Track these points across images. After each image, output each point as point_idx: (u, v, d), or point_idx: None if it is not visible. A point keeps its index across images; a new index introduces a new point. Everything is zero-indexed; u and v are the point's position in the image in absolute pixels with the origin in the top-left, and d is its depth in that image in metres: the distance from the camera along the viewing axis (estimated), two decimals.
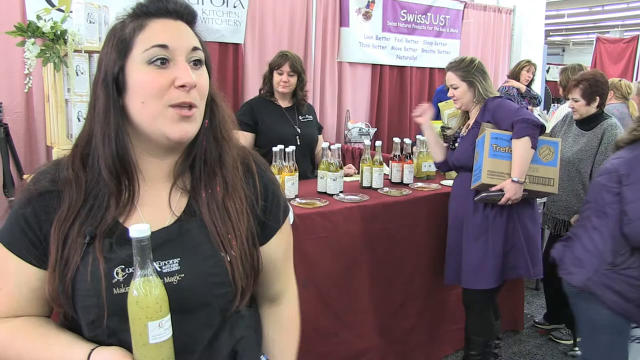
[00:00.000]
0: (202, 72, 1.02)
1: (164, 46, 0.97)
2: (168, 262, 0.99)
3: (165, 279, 0.96)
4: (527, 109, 5.39)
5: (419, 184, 3.26)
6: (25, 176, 3.45)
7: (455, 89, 2.87)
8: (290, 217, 1.25)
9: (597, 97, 3.26)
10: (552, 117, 4.65)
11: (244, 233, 1.05)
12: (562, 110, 4.34)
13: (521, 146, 2.59)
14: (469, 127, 2.88)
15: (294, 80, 3.38)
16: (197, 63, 1.00)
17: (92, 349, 0.96)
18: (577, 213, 3.31)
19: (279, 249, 1.18)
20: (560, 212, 3.46)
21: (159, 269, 0.97)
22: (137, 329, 0.90)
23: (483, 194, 2.68)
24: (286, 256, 1.23)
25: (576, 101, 3.30)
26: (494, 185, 2.65)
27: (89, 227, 0.99)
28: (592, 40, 11.04)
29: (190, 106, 0.98)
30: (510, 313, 3.66)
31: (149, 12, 1.00)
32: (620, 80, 4.52)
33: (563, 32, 15.78)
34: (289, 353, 1.26)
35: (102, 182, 1.02)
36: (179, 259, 1.00)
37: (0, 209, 3.88)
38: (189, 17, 1.03)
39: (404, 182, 3.27)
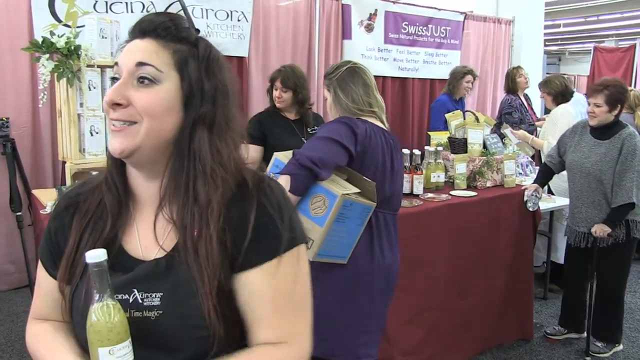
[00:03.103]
0: (147, 89, 0.97)
1: (116, 64, 1.01)
2: (150, 296, 0.97)
3: (144, 312, 0.96)
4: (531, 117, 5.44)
5: (429, 195, 3.27)
6: (33, 191, 3.45)
7: (325, 100, 2.42)
8: (301, 254, 1.04)
9: (619, 105, 3.22)
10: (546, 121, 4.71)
11: (216, 278, 0.96)
12: (556, 114, 4.40)
13: None
14: None
15: (287, 95, 3.38)
16: (143, 80, 0.97)
17: None
18: (597, 224, 3.29)
19: (258, 289, 0.99)
20: (580, 224, 3.41)
21: (140, 301, 0.96)
22: (92, 354, 0.90)
23: None
24: (275, 304, 0.99)
25: (598, 106, 3.22)
26: None
27: (91, 242, 1.01)
28: (588, 50, 11.14)
29: (128, 122, 0.96)
30: (519, 322, 3.67)
31: (130, 36, 1.04)
32: (630, 91, 4.54)
33: (559, 42, 15.90)
34: None
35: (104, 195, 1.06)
36: (161, 294, 0.97)
37: (7, 225, 3.88)
38: (154, 33, 1.01)
39: (414, 192, 3.29)
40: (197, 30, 1.06)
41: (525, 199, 3.49)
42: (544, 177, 3.67)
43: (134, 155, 0.97)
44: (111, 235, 1.02)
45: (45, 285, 1.09)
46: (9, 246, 4.16)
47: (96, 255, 0.89)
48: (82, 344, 1.01)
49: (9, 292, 4.20)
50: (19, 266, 4.17)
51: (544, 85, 4.60)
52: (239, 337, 0.99)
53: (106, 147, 2.84)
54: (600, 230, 3.24)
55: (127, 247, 1.02)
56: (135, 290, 0.97)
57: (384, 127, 2.31)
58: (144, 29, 1.01)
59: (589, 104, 3.32)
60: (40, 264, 1.11)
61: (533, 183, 3.63)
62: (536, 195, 3.50)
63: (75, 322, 1.01)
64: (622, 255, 3.36)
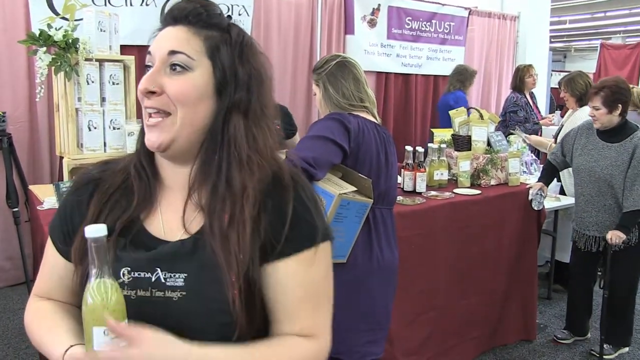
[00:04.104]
0: (179, 77, 0.97)
1: (149, 53, 1.01)
2: (173, 276, 0.95)
3: (166, 292, 0.95)
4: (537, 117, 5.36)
5: (432, 193, 3.22)
6: (30, 187, 3.40)
7: (315, 95, 2.35)
8: (330, 249, 1.05)
9: (619, 105, 3.13)
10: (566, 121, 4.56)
11: (246, 265, 0.95)
12: (579, 117, 4.22)
13: None
14: None
15: None
16: (174, 67, 0.97)
17: (73, 345, 0.94)
18: (609, 228, 3.21)
19: (291, 278, 0.99)
20: (590, 229, 3.34)
21: (162, 280, 0.95)
22: (86, 333, 0.86)
23: None
24: (306, 295, 1.01)
25: (597, 109, 3.16)
26: None
27: (110, 220, 0.99)
28: (594, 47, 11.06)
29: (162, 112, 0.97)
30: (522, 322, 3.62)
31: (162, 24, 1.04)
32: (632, 88, 4.45)
33: (565, 39, 15.81)
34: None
35: (130, 176, 1.06)
36: (185, 275, 0.95)
37: (3, 221, 3.84)
38: (185, 20, 1.00)
39: (417, 190, 3.23)
40: (229, 17, 1.05)
41: (530, 197, 3.44)
42: (548, 175, 3.61)
43: (170, 148, 0.97)
44: (133, 216, 1.01)
45: (52, 261, 1.08)
46: (5, 242, 4.13)
47: (95, 230, 0.86)
48: None
49: (5, 288, 4.17)
50: (15, 263, 4.13)
51: (567, 85, 4.33)
52: (263, 327, 0.99)
53: (101, 143, 2.82)
54: (616, 237, 3.16)
55: (149, 228, 1.02)
56: (159, 269, 0.95)
57: (375, 121, 2.26)
58: (175, 16, 1.00)
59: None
60: (49, 240, 1.09)
61: (537, 181, 3.57)
62: (541, 194, 3.44)
63: None
64: (634, 258, 3.29)
